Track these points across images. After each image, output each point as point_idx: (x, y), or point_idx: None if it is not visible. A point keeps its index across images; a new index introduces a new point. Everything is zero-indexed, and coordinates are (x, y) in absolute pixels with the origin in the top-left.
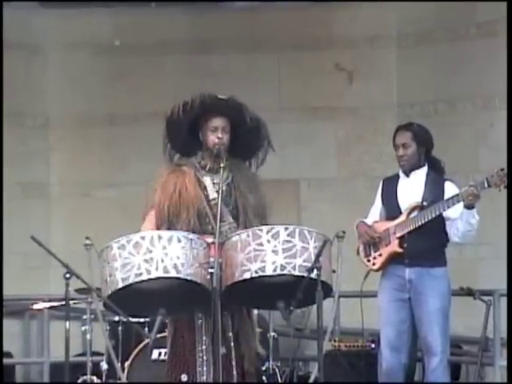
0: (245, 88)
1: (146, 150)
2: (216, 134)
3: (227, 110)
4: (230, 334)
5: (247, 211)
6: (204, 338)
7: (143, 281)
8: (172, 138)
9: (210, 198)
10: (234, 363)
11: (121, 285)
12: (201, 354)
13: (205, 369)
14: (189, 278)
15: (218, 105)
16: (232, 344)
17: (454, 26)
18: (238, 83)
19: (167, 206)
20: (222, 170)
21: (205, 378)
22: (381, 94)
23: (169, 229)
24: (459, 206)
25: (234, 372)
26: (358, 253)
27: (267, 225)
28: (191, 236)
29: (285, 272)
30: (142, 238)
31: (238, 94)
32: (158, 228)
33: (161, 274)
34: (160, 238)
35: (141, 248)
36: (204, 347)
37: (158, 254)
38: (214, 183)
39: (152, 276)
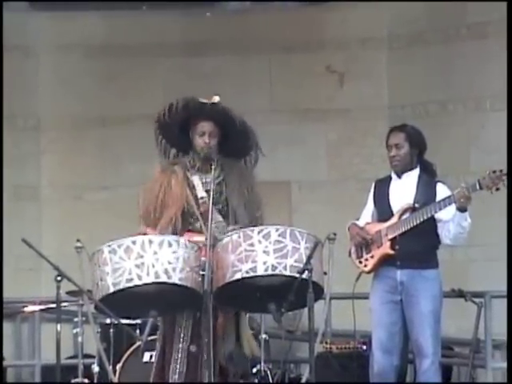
0: (236, 90)
1: (139, 152)
2: (203, 138)
3: (213, 115)
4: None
5: (235, 211)
6: (182, 336)
7: (134, 286)
8: (165, 136)
9: (198, 196)
10: (211, 363)
11: (112, 290)
12: (177, 352)
13: (178, 366)
14: (180, 282)
15: (202, 109)
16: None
17: (445, 28)
18: (230, 85)
19: (153, 206)
20: (213, 171)
21: (176, 376)
22: (372, 96)
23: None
24: (451, 208)
25: (207, 372)
26: (349, 254)
27: (261, 225)
28: (182, 240)
29: (276, 272)
30: (133, 242)
31: (229, 96)
32: (154, 227)
33: (152, 279)
34: (151, 242)
35: (132, 253)
36: (181, 345)
37: (149, 259)
38: (202, 182)
39: (143, 282)
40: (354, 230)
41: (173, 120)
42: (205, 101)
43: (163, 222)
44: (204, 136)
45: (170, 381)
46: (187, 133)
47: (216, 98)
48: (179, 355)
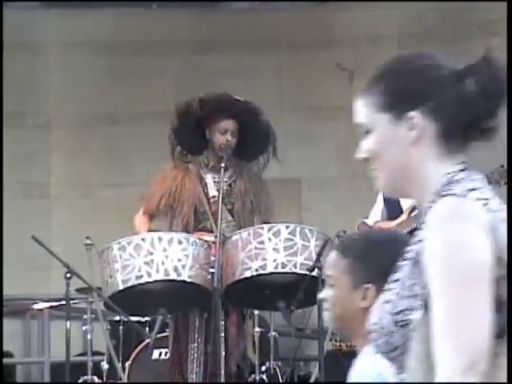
0: (246, 88)
1: (147, 150)
2: (225, 136)
3: (240, 113)
4: (222, 334)
5: (241, 213)
6: (196, 336)
7: (144, 283)
8: (180, 134)
9: (210, 195)
10: (222, 363)
11: (121, 287)
12: (192, 352)
13: (194, 366)
14: (189, 280)
15: (234, 106)
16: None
17: (454, 26)
18: (240, 83)
19: (162, 198)
20: (222, 169)
21: (194, 376)
22: None
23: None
24: None
25: (222, 371)
26: None
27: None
28: (191, 237)
29: (286, 270)
30: (143, 239)
31: (239, 94)
32: (150, 218)
33: (161, 276)
34: (160, 239)
35: (141, 250)
36: (195, 345)
37: (159, 256)
38: (214, 181)
39: (152, 279)
40: (363, 228)
41: (201, 113)
42: (240, 98)
43: (179, 222)
44: (226, 134)
45: (189, 380)
46: (201, 132)
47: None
48: (195, 355)
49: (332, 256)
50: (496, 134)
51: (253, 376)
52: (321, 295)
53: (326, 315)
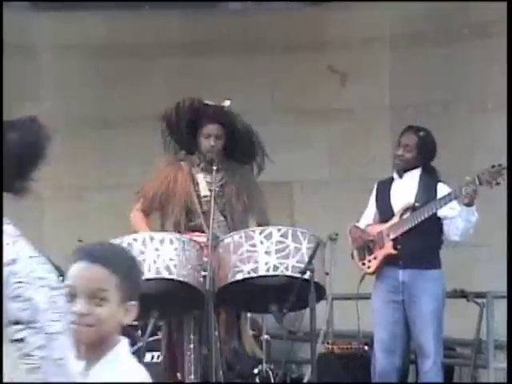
0: (238, 90)
1: (140, 153)
2: (209, 140)
3: (220, 118)
4: (216, 333)
5: (232, 213)
6: (191, 337)
7: None
8: (173, 135)
9: (202, 194)
10: (219, 363)
11: None
12: (188, 353)
13: (192, 367)
14: (181, 279)
15: (207, 111)
16: (218, 344)
17: (447, 28)
18: (232, 85)
19: (156, 196)
20: (213, 172)
21: (192, 376)
22: (374, 96)
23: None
24: (455, 205)
25: (221, 372)
26: (352, 257)
27: (260, 225)
28: (184, 238)
29: (278, 273)
30: (135, 239)
31: (231, 96)
32: (146, 213)
33: (153, 275)
34: (152, 239)
35: (133, 249)
36: (192, 346)
37: (151, 255)
38: (206, 181)
39: (144, 277)
40: (355, 233)
41: (179, 119)
42: (209, 103)
43: (171, 220)
44: (210, 138)
45: (187, 381)
46: (194, 133)
47: (227, 102)
48: (192, 356)
49: (93, 268)
50: (28, 193)
51: (258, 368)
52: (79, 310)
53: (80, 330)
